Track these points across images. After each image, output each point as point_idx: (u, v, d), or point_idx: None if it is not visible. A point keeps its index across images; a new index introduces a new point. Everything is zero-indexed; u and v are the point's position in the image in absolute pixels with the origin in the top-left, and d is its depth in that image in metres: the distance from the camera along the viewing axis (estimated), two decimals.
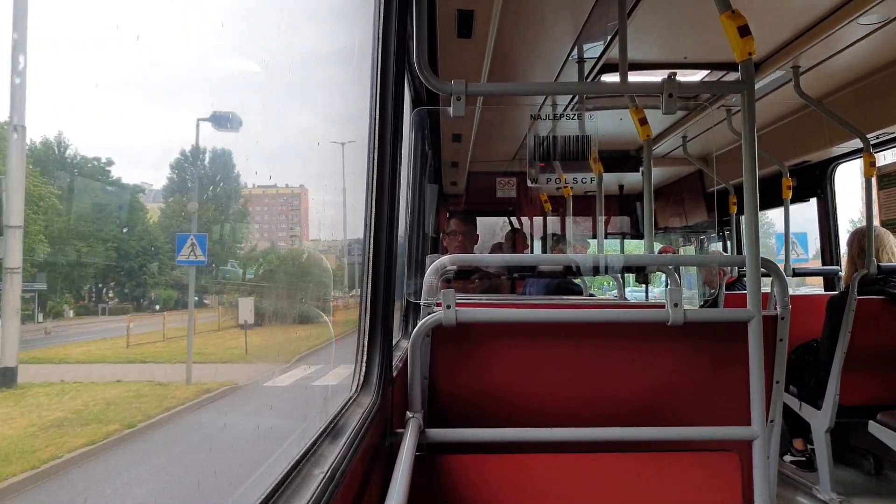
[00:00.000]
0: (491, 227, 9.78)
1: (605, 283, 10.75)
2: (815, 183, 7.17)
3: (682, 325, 2.68)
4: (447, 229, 6.98)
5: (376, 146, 2.50)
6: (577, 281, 6.13)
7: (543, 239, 9.32)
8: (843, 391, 5.13)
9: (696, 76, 5.71)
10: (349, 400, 2.29)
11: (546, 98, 6.12)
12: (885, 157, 6.64)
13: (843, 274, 6.28)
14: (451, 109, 2.65)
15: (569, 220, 7.20)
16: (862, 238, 5.48)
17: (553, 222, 8.95)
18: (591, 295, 6.44)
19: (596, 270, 3.66)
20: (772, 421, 2.89)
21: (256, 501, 1.41)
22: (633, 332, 2.93)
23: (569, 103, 6.30)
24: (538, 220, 9.61)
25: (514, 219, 9.87)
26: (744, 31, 2.64)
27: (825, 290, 7.42)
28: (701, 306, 8.11)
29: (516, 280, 6.64)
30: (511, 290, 6.73)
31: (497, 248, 8.68)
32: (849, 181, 5.43)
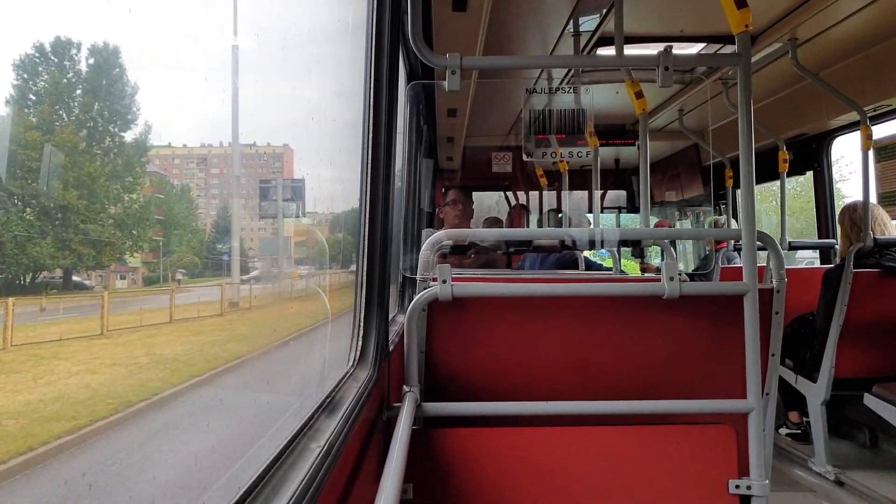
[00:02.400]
0: (487, 202, 9.78)
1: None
2: (811, 156, 7.16)
3: (677, 299, 2.69)
4: (442, 202, 6.97)
5: (371, 121, 2.49)
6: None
7: (539, 213, 9.31)
8: (838, 364, 5.15)
9: (693, 49, 5.68)
10: (346, 374, 2.29)
11: (542, 72, 6.10)
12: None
13: (838, 248, 6.29)
14: (446, 83, 2.64)
15: (565, 194, 7.20)
16: (853, 212, 5.50)
17: (549, 197, 8.94)
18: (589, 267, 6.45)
19: (592, 245, 3.66)
20: (767, 394, 2.90)
21: (252, 477, 1.42)
22: (629, 306, 2.93)
23: (564, 77, 6.27)
24: (534, 194, 9.60)
25: (509, 193, 9.86)
26: (740, 2, 2.63)
27: (821, 264, 7.44)
28: (695, 270, 8.13)
29: (512, 255, 6.64)
30: (507, 265, 6.73)
31: (493, 223, 8.67)
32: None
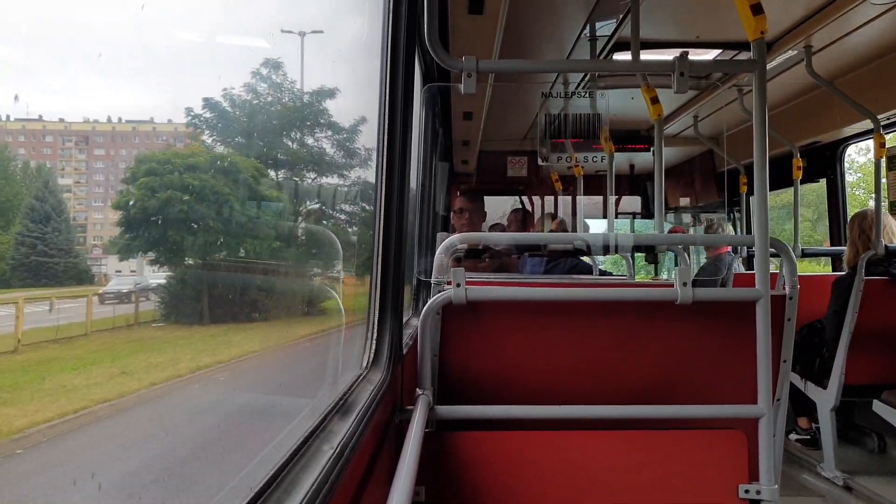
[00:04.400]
0: (501, 207, 9.77)
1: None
2: (825, 164, 7.14)
3: (690, 304, 2.69)
4: (455, 207, 6.98)
5: (386, 122, 2.50)
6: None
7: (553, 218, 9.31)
8: (848, 371, 5.17)
9: (709, 55, 5.67)
10: (359, 377, 2.30)
11: (558, 76, 6.09)
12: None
13: (845, 255, 6.28)
14: (462, 86, 2.65)
15: (579, 199, 7.19)
16: (862, 220, 5.49)
17: (564, 202, 8.93)
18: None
19: (606, 250, 3.65)
20: (778, 399, 2.90)
21: (264, 478, 1.42)
22: (642, 311, 2.93)
23: (580, 81, 6.27)
24: (549, 199, 9.60)
25: (524, 198, 9.85)
26: (756, 9, 2.63)
27: (833, 271, 7.43)
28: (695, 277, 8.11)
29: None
30: (520, 269, 6.74)
31: (498, 227, 8.66)
32: None
